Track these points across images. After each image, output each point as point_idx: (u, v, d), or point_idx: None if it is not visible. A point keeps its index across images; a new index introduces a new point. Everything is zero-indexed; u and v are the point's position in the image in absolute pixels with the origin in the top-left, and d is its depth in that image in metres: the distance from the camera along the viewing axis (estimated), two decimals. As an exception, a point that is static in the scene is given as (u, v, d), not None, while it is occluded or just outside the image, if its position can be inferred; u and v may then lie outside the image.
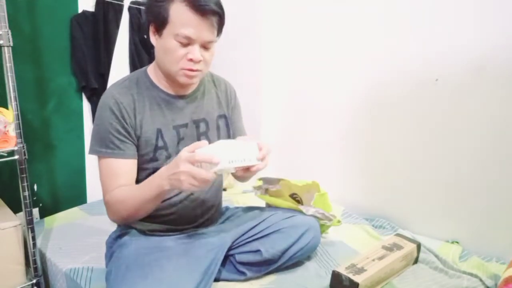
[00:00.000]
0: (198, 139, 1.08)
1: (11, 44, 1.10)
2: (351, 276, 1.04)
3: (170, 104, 1.04)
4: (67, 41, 1.65)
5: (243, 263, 1.13)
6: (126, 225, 1.10)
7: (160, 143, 1.03)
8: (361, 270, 1.08)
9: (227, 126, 1.17)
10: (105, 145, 0.97)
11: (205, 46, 0.96)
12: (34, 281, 1.26)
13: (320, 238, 1.23)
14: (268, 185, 1.39)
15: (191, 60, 0.94)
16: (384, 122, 1.61)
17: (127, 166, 0.99)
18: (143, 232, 1.09)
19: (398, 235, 1.34)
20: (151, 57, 1.86)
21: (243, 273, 1.13)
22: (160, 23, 0.92)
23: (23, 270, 1.26)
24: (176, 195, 1.07)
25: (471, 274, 1.21)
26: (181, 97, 1.06)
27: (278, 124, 1.97)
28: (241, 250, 1.13)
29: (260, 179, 1.42)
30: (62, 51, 1.64)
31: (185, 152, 0.84)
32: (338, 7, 1.67)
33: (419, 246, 1.27)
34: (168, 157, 1.04)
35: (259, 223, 1.15)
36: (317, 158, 1.86)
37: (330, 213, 1.30)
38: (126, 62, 1.77)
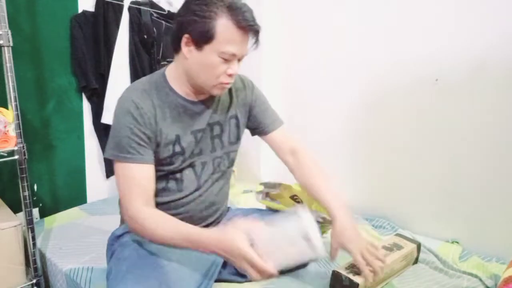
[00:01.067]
0: (212, 141, 1.07)
1: (11, 44, 1.10)
2: (351, 276, 1.04)
3: (188, 110, 1.02)
4: (67, 41, 1.65)
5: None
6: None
7: (178, 149, 1.01)
8: (361, 270, 1.07)
9: (237, 127, 1.15)
10: (125, 150, 0.94)
11: (240, 59, 0.97)
12: (34, 281, 1.26)
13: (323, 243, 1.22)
14: (269, 189, 1.39)
15: (230, 75, 0.96)
16: (384, 122, 1.61)
17: (147, 172, 0.97)
18: None
19: (398, 235, 1.33)
20: (151, 57, 1.86)
21: (243, 276, 1.13)
22: (203, 38, 0.90)
23: (23, 270, 1.26)
24: (186, 196, 1.06)
25: (471, 274, 1.21)
26: (199, 102, 1.04)
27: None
28: None
29: (261, 183, 1.42)
30: (62, 51, 1.64)
31: (243, 246, 0.79)
32: (338, 7, 1.67)
33: (419, 246, 1.27)
34: (184, 161, 1.03)
35: None
36: (317, 158, 1.86)
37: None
38: (126, 62, 1.76)
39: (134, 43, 1.79)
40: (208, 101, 1.06)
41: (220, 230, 0.86)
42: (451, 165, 1.44)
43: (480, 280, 1.18)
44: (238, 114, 1.14)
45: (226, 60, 0.93)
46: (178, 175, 1.04)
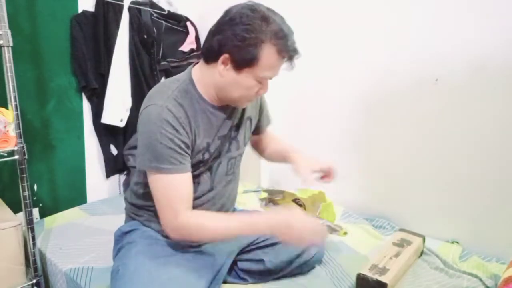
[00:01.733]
0: (229, 143, 1.07)
1: (11, 44, 1.10)
2: (377, 277, 1.05)
3: (215, 116, 1.01)
4: (67, 41, 1.65)
5: (245, 271, 1.13)
6: (137, 222, 1.09)
7: (206, 156, 1.01)
8: (384, 270, 1.09)
9: (250, 128, 1.16)
10: (166, 161, 0.90)
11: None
12: (34, 281, 1.26)
13: (324, 252, 1.23)
14: (272, 196, 1.41)
15: (259, 93, 0.98)
16: (384, 122, 1.61)
17: (188, 180, 0.95)
18: (153, 232, 1.06)
19: (402, 230, 1.36)
20: (151, 57, 1.86)
21: (245, 280, 1.14)
22: (245, 63, 0.89)
23: (23, 270, 1.26)
24: (199, 197, 1.04)
25: (471, 274, 1.21)
26: (224, 108, 1.03)
27: (277, 124, 1.96)
28: (244, 258, 1.13)
29: (265, 190, 1.44)
30: (62, 51, 1.64)
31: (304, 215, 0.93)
32: (338, 7, 1.67)
33: (424, 239, 1.31)
34: (205, 164, 1.02)
35: None
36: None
37: (335, 224, 1.32)
38: (126, 62, 1.76)
39: (134, 43, 1.79)
40: (230, 106, 1.05)
41: (269, 212, 0.95)
42: (451, 165, 1.44)
43: (480, 280, 1.18)
44: (252, 116, 1.15)
45: (261, 82, 0.95)
46: (196, 180, 1.03)
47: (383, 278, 1.05)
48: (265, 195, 1.43)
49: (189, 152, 0.95)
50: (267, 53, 0.88)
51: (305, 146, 1.89)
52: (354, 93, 1.68)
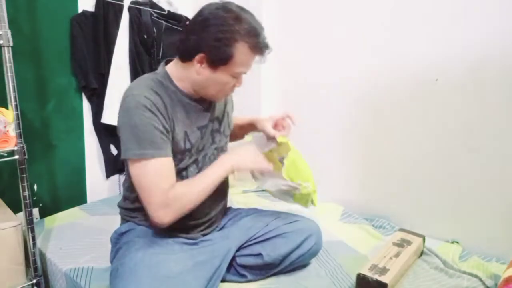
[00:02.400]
0: (212, 136, 1.12)
1: (11, 44, 1.10)
2: (377, 277, 1.05)
3: (193, 108, 1.05)
4: (67, 41, 1.65)
5: (244, 266, 1.13)
6: (132, 222, 1.10)
7: (188, 145, 1.03)
8: (384, 270, 1.09)
9: (229, 120, 1.22)
10: (149, 146, 0.93)
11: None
12: (34, 281, 1.26)
13: (322, 243, 1.23)
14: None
15: (234, 87, 1.04)
16: (384, 122, 1.61)
17: (168, 164, 0.97)
18: (150, 230, 1.07)
19: (402, 230, 1.36)
20: (151, 57, 1.86)
21: (243, 276, 1.14)
22: (219, 61, 0.95)
23: (23, 270, 1.26)
24: None
25: (471, 274, 1.21)
26: (201, 99, 1.07)
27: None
28: (243, 253, 1.13)
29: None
30: (62, 51, 1.64)
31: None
32: (338, 7, 1.67)
33: (424, 239, 1.31)
34: (191, 157, 1.05)
35: (262, 228, 1.16)
36: (317, 158, 1.86)
37: (298, 182, 1.13)
38: (126, 62, 1.76)
39: (134, 43, 1.79)
40: (209, 101, 1.10)
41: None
42: (451, 165, 1.44)
43: (480, 280, 1.18)
44: (229, 108, 1.21)
45: (236, 77, 1.01)
46: (184, 173, 1.05)
47: (383, 278, 1.05)
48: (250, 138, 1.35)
49: (169, 137, 0.98)
50: (241, 51, 0.94)
51: (304, 146, 1.90)
52: (354, 93, 1.68)
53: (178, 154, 1.01)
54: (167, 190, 0.94)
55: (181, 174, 1.04)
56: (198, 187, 0.99)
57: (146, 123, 0.93)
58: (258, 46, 0.96)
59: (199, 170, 1.08)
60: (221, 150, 1.17)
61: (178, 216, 0.97)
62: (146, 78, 1.03)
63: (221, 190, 1.16)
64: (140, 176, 0.95)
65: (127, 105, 0.95)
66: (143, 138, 0.92)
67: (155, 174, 0.94)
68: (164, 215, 0.95)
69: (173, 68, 1.04)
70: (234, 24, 0.92)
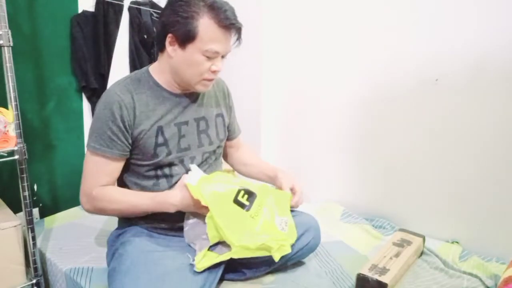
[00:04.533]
0: (198, 137, 1.11)
1: (11, 44, 1.10)
2: (377, 277, 1.05)
3: (171, 101, 1.06)
4: (67, 41, 1.65)
5: (242, 263, 1.13)
6: (128, 223, 1.10)
7: (160, 140, 1.04)
8: (384, 270, 1.09)
9: (224, 125, 1.20)
10: (97, 141, 0.99)
11: (223, 56, 1.02)
12: (34, 281, 1.26)
13: (320, 238, 1.23)
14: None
15: (214, 71, 1.00)
16: (384, 122, 1.61)
17: (113, 165, 1.02)
18: (146, 229, 1.08)
19: (402, 230, 1.36)
20: (151, 57, 1.86)
21: (242, 273, 1.13)
22: (186, 38, 0.95)
23: (23, 270, 1.26)
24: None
25: (471, 274, 1.21)
26: (184, 95, 1.08)
27: (277, 124, 1.97)
28: None
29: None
30: (62, 51, 1.64)
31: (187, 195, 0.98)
32: (338, 7, 1.67)
33: (424, 239, 1.31)
34: (169, 153, 1.05)
35: None
36: (317, 158, 1.86)
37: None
38: (126, 62, 1.76)
39: (134, 43, 1.79)
40: (193, 95, 1.10)
41: (164, 192, 1.02)
42: (451, 165, 1.44)
43: (480, 280, 1.18)
44: (224, 113, 1.21)
45: (210, 58, 0.98)
46: (167, 171, 1.06)
47: (383, 278, 1.05)
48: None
49: (124, 138, 1.00)
50: (205, 25, 0.94)
51: (305, 146, 1.90)
52: (354, 93, 1.68)
53: (151, 149, 1.03)
54: (96, 185, 1.00)
55: (164, 171, 1.06)
56: (121, 204, 1.02)
57: (102, 120, 0.98)
58: (223, 21, 0.94)
59: (186, 170, 1.09)
60: (214, 157, 1.17)
61: (97, 212, 1.05)
62: (126, 76, 1.07)
63: None
64: (84, 164, 1.03)
65: (101, 98, 1.02)
66: (96, 133, 0.99)
67: (93, 166, 1.01)
68: (84, 203, 1.04)
69: (155, 64, 1.07)
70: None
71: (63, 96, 1.68)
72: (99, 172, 1.01)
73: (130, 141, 1.01)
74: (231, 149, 1.34)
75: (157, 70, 1.05)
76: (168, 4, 0.98)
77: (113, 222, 1.20)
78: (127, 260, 0.96)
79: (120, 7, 1.73)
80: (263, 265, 1.13)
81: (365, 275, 1.07)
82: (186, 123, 1.08)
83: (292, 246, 1.05)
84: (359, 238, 1.46)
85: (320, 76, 1.78)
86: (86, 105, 1.77)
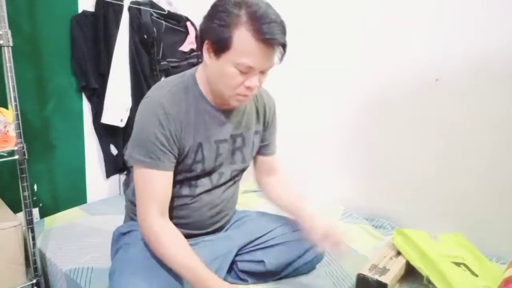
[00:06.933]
0: (233, 154, 1.07)
1: (11, 44, 1.10)
2: (377, 277, 1.05)
3: (213, 118, 1.00)
4: (67, 41, 1.65)
5: (245, 272, 1.13)
6: (135, 221, 1.07)
7: (199, 157, 1.00)
8: (384, 270, 1.09)
9: (260, 142, 1.16)
10: (147, 155, 0.92)
11: (263, 72, 0.92)
12: (34, 281, 1.27)
13: (324, 254, 1.21)
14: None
15: (248, 87, 0.90)
16: (384, 122, 1.61)
17: (164, 178, 0.95)
18: None
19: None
20: (151, 57, 1.86)
21: (244, 280, 1.13)
22: (220, 47, 0.86)
23: (23, 270, 1.26)
24: (196, 201, 1.05)
25: (471, 274, 1.21)
26: (225, 111, 1.02)
27: (279, 125, 1.97)
28: (244, 259, 1.12)
29: None
30: (62, 51, 1.64)
31: None
32: (339, 8, 1.67)
33: None
34: (203, 170, 1.01)
35: (265, 234, 1.14)
36: (317, 158, 1.86)
37: None
38: (126, 62, 1.76)
39: (134, 43, 1.79)
40: (233, 111, 1.04)
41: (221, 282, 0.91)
42: (451, 165, 1.44)
43: (480, 280, 1.18)
44: (261, 129, 1.14)
45: (244, 72, 0.88)
46: (193, 182, 1.03)
47: (383, 278, 1.05)
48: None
49: (172, 151, 0.95)
50: (240, 37, 0.84)
51: (305, 146, 1.90)
52: (354, 93, 1.68)
53: (188, 165, 0.99)
54: (149, 214, 0.93)
55: (190, 182, 1.02)
56: (175, 263, 0.91)
57: (150, 133, 0.91)
58: (260, 32, 0.82)
59: (213, 187, 1.05)
60: (241, 176, 1.14)
61: (153, 247, 0.95)
62: (173, 80, 0.99)
63: (231, 203, 1.17)
64: (137, 181, 0.96)
65: (142, 107, 0.95)
66: (144, 146, 0.92)
67: (145, 184, 0.94)
68: (143, 231, 0.96)
69: (200, 70, 0.99)
70: (235, 7, 0.84)
71: (63, 96, 1.68)
72: (152, 191, 0.93)
73: (176, 152, 0.96)
74: (260, 171, 1.22)
75: (202, 80, 0.98)
76: (209, 10, 0.90)
77: (113, 222, 1.20)
78: (128, 266, 0.95)
79: (120, 7, 1.73)
80: (266, 276, 1.13)
81: (365, 275, 1.07)
82: (225, 140, 1.04)
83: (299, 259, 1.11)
84: (359, 238, 1.46)
85: (320, 76, 1.78)
86: (86, 105, 1.77)
